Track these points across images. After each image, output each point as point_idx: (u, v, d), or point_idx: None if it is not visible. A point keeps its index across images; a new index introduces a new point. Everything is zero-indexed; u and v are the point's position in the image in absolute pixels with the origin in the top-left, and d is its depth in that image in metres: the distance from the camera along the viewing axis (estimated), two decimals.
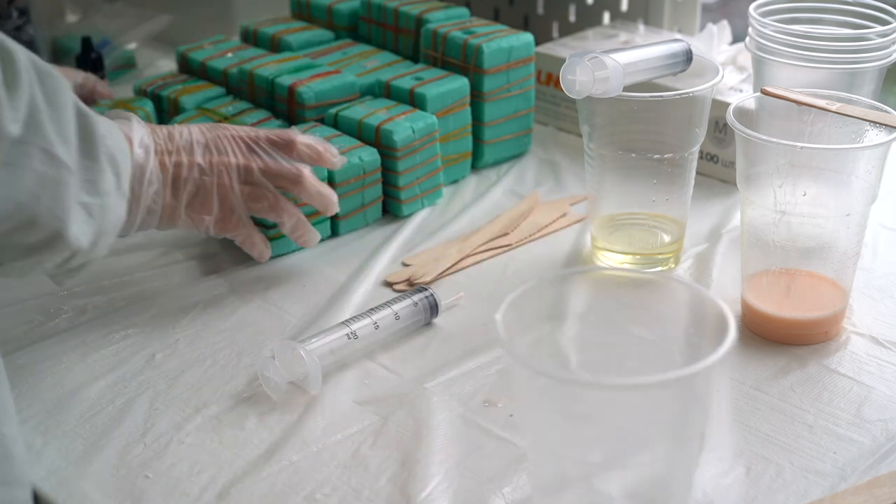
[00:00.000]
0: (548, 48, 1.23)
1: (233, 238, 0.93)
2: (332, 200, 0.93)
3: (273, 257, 0.98)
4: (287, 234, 0.94)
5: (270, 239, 0.97)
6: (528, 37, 1.13)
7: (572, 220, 1.05)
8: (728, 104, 0.87)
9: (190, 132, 0.88)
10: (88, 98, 1.16)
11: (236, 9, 1.46)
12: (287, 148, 0.91)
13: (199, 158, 0.87)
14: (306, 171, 0.91)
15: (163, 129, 0.87)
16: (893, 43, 0.97)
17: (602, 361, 0.68)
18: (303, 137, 0.92)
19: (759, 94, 0.87)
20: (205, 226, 0.89)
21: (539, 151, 1.19)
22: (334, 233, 1.03)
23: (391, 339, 0.87)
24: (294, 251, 1.00)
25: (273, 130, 0.92)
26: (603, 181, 0.94)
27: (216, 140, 0.89)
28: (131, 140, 0.83)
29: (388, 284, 0.95)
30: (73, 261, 0.79)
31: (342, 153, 1.00)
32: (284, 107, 1.08)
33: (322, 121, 1.07)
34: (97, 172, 0.77)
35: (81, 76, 1.17)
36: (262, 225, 0.96)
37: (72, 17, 1.48)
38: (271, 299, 0.93)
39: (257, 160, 0.89)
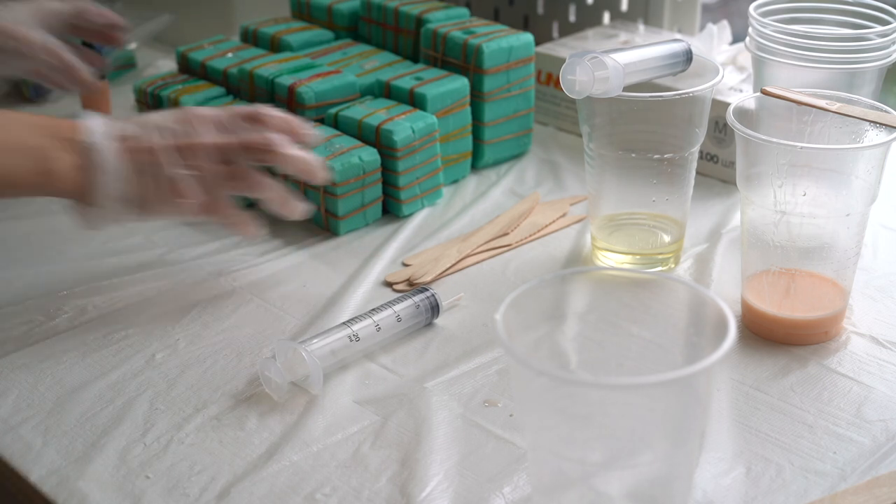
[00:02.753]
0: (548, 48, 1.23)
1: (219, 222, 0.89)
2: (313, 165, 0.88)
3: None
4: (275, 210, 0.90)
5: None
6: (528, 37, 1.12)
7: (572, 220, 1.05)
8: (728, 104, 0.87)
9: (159, 117, 0.86)
10: (89, 32, 1.07)
11: (236, 9, 1.46)
12: (258, 121, 0.87)
13: (168, 142, 0.84)
14: (277, 137, 0.87)
15: (129, 119, 0.85)
16: (893, 43, 0.97)
17: (602, 361, 0.68)
18: (272, 110, 0.88)
19: (759, 94, 0.87)
20: (186, 212, 0.86)
21: (539, 151, 1.19)
22: (334, 233, 1.03)
23: (392, 340, 0.87)
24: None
25: (241, 107, 0.88)
26: (603, 181, 0.94)
27: (185, 122, 0.86)
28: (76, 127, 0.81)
29: (388, 284, 0.95)
30: None
31: (342, 153, 1.00)
32: (284, 107, 1.08)
33: (322, 121, 1.07)
34: None
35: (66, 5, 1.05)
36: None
37: None
38: (271, 299, 0.93)
39: (230, 137, 0.86)
